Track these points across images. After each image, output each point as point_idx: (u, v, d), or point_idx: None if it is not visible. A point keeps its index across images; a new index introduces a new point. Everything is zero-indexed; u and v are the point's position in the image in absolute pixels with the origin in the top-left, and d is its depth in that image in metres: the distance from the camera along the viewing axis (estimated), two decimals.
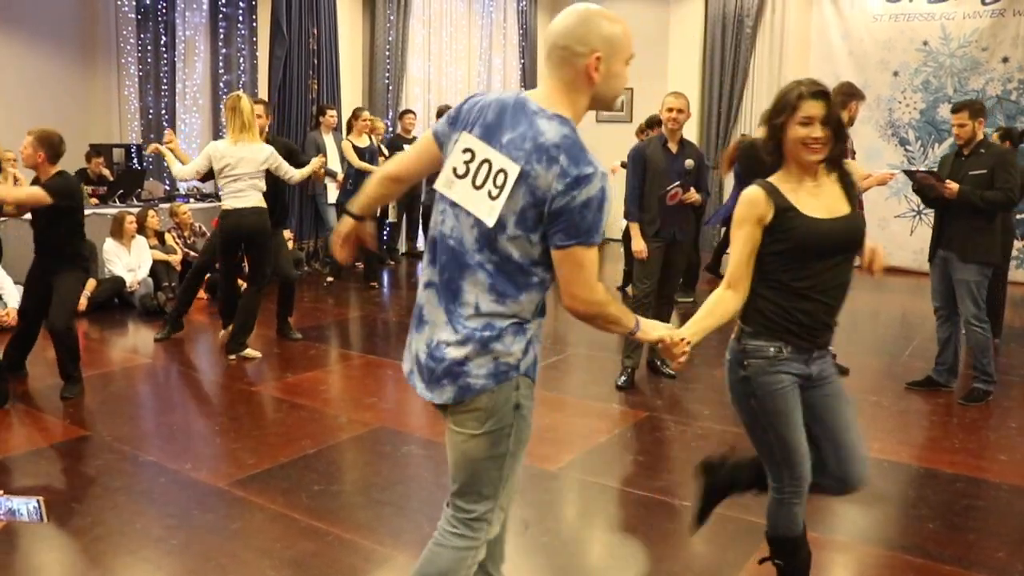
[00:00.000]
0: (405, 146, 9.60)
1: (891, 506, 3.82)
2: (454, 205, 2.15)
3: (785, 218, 2.56)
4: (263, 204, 5.97)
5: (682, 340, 2.47)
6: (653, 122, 8.82)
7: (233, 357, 6.00)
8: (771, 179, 2.63)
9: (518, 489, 2.42)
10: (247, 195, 5.91)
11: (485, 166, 2.09)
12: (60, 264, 5.01)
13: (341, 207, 9.01)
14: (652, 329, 2.39)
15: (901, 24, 10.34)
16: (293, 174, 6.12)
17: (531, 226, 2.06)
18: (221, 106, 10.19)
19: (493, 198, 2.06)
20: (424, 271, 2.26)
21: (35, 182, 4.94)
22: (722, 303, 2.71)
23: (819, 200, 2.60)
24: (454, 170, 2.14)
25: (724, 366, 2.83)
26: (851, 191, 2.67)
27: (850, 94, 5.85)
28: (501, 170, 2.06)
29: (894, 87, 10.33)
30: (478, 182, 2.10)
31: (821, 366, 2.72)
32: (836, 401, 2.75)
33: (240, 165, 5.84)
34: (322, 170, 6.56)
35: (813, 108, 2.54)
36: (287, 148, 6.45)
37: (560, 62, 2.10)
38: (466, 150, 2.13)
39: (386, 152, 9.34)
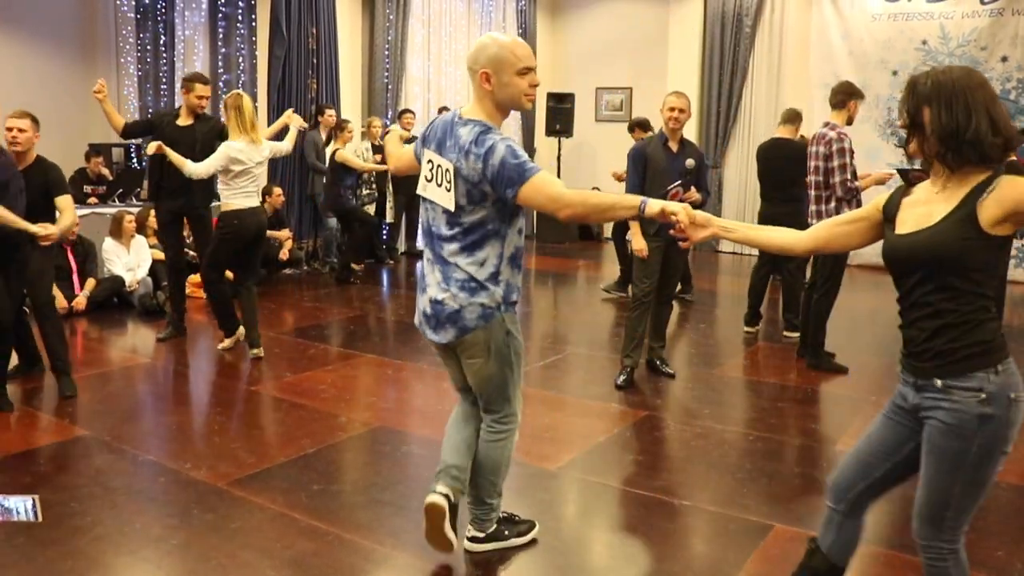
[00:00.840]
0: (405, 145, 9.58)
1: (890, 505, 3.81)
2: (429, 201, 3.00)
3: (884, 228, 2.40)
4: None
5: (692, 216, 2.73)
6: (637, 124, 8.85)
7: (260, 351, 6.02)
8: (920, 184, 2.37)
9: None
10: (254, 195, 5.98)
11: (439, 169, 2.92)
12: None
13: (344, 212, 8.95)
14: (655, 203, 2.77)
15: (900, 23, 10.34)
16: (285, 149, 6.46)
17: (478, 199, 2.85)
18: (220, 105, 10.23)
19: (448, 191, 2.89)
20: (424, 249, 3.08)
21: None
22: (784, 234, 2.66)
23: (923, 208, 2.29)
24: (425, 177, 2.99)
25: None
26: (972, 200, 2.18)
27: (849, 93, 5.85)
28: (447, 170, 2.88)
29: (893, 86, 10.32)
30: (438, 182, 2.93)
31: (921, 399, 2.32)
32: (925, 451, 2.33)
33: (252, 164, 5.87)
34: None
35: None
36: (217, 130, 6.34)
37: (472, 79, 2.94)
38: (428, 161, 2.98)
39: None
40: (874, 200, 2.46)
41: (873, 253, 10.13)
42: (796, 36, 11.20)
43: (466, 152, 2.81)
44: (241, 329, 6.23)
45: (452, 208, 2.87)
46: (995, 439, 2.21)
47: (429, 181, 2.96)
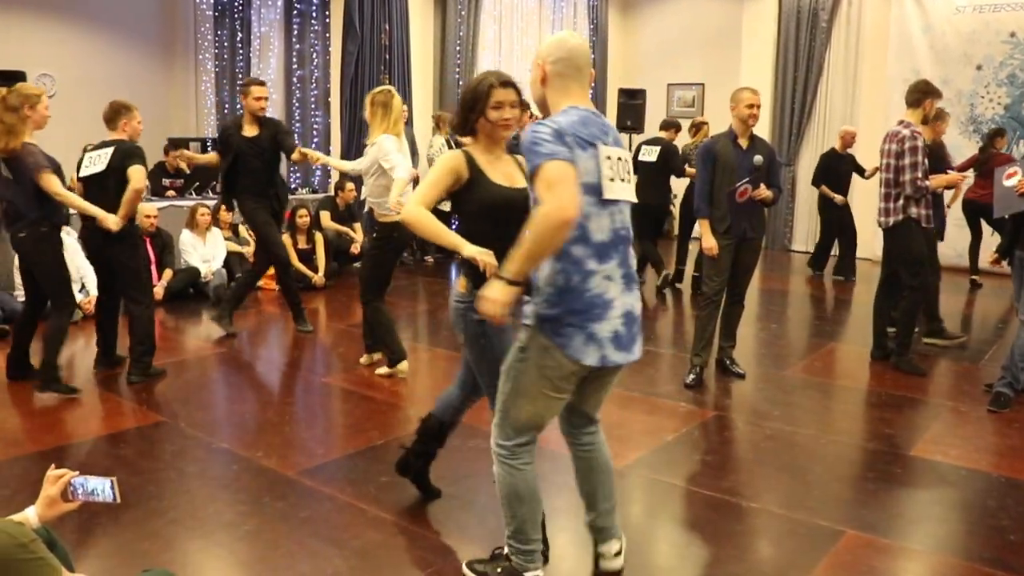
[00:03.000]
0: None
1: (969, 515, 3.71)
2: (617, 203, 2.66)
3: None
4: None
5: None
6: (670, 124, 8.75)
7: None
8: None
9: None
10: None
11: (620, 163, 2.66)
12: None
13: None
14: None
15: (986, 15, 9.99)
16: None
17: None
18: (295, 101, 10.41)
19: (629, 182, 2.71)
20: (594, 267, 2.63)
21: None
22: None
23: None
24: (608, 178, 2.61)
25: None
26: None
27: (925, 92, 5.71)
28: (626, 160, 2.70)
29: (977, 81, 10.01)
30: (621, 176, 2.66)
31: None
32: None
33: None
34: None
35: None
36: (278, 128, 6.38)
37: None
38: (608, 157, 2.62)
39: (454, 146, 9.39)
40: None
41: (953, 255, 9.91)
42: (874, 30, 10.93)
43: (615, 137, 2.73)
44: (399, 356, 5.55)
45: (635, 199, 2.77)
46: None
47: (613, 181, 2.63)
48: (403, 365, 5.47)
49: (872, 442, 4.55)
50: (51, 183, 4.78)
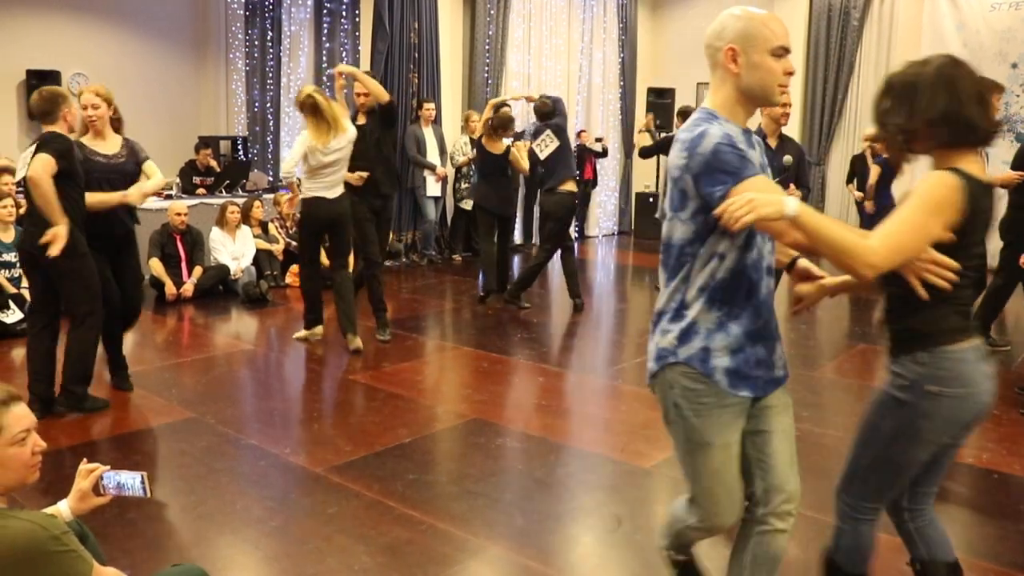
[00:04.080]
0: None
1: (1002, 520, 3.66)
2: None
3: None
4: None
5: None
6: (682, 113, 8.65)
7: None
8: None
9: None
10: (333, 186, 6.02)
11: None
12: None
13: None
14: None
15: (1023, 12, 9.83)
16: None
17: (678, 205, 2.22)
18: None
19: None
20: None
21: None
22: None
23: None
24: None
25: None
26: None
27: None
28: None
29: (1012, 80, 9.84)
30: None
31: None
32: None
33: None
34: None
35: None
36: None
37: (710, 63, 2.32)
38: None
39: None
40: None
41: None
42: (906, 28, 10.79)
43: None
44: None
45: None
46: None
47: None
48: (318, 329, 6.29)
49: None
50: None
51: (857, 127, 11.24)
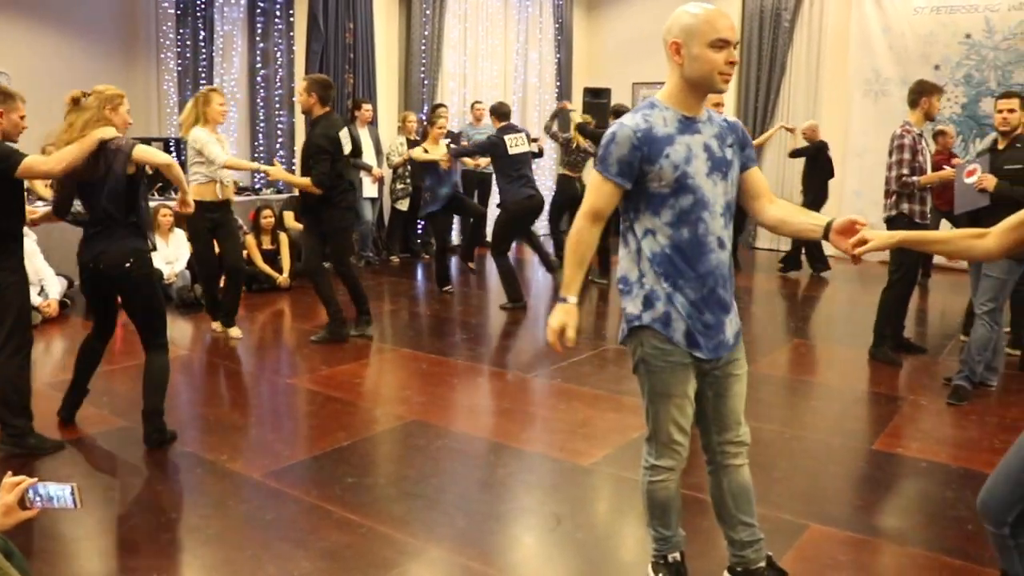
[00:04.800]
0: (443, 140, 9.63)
1: (930, 506, 3.77)
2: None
3: None
4: None
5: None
6: (616, 112, 8.81)
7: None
8: None
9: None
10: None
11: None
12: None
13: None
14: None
15: (943, 17, 10.16)
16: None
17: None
18: (259, 100, 10.34)
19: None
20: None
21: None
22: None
23: None
24: None
25: None
26: None
27: (919, 91, 5.94)
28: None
29: (935, 81, 10.14)
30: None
31: None
32: None
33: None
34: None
35: None
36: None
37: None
38: None
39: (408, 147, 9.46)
40: None
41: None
42: (835, 31, 11.05)
43: None
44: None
45: None
46: None
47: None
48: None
49: (835, 437, 4.61)
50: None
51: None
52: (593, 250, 2.64)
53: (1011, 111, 5.10)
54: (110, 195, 4.04)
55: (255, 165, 6.76)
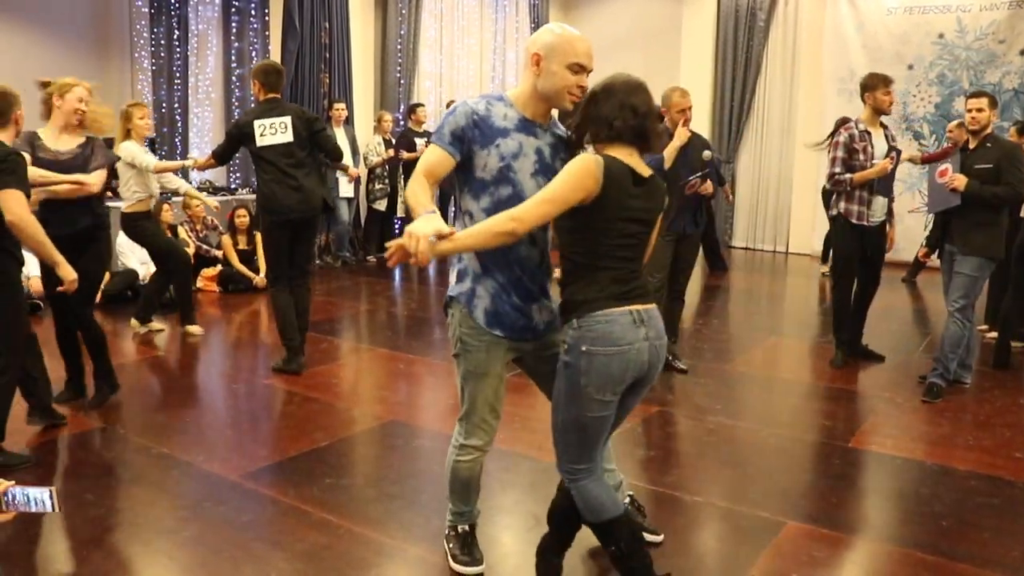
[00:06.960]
0: (416, 140, 9.62)
1: (905, 503, 3.80)
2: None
3: None
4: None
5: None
6: None
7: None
8: None
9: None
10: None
11: None
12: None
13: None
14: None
15: (916, 17, 10.26)
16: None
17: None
18: (234, 100, 10.27)
19: None
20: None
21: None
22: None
23: None
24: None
25: None
26: None
27: (863, 86, 5.85)
28: None
29: (909, 81, 10.25)
30: None
31: None
32: None
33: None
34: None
35: None
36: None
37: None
38: None
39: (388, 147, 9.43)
40: None
41: (901, 248, 9.96)
42: (810, 30, 11.13)
43: None
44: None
45: None
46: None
47: None
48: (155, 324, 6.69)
49: (811, 434, 4.64)
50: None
51: (765, 125, 11.54)
52: (427, 194, 2.60)
53: (980, 110, 5.12)
54: None
55: (180, 163, 6.92)
